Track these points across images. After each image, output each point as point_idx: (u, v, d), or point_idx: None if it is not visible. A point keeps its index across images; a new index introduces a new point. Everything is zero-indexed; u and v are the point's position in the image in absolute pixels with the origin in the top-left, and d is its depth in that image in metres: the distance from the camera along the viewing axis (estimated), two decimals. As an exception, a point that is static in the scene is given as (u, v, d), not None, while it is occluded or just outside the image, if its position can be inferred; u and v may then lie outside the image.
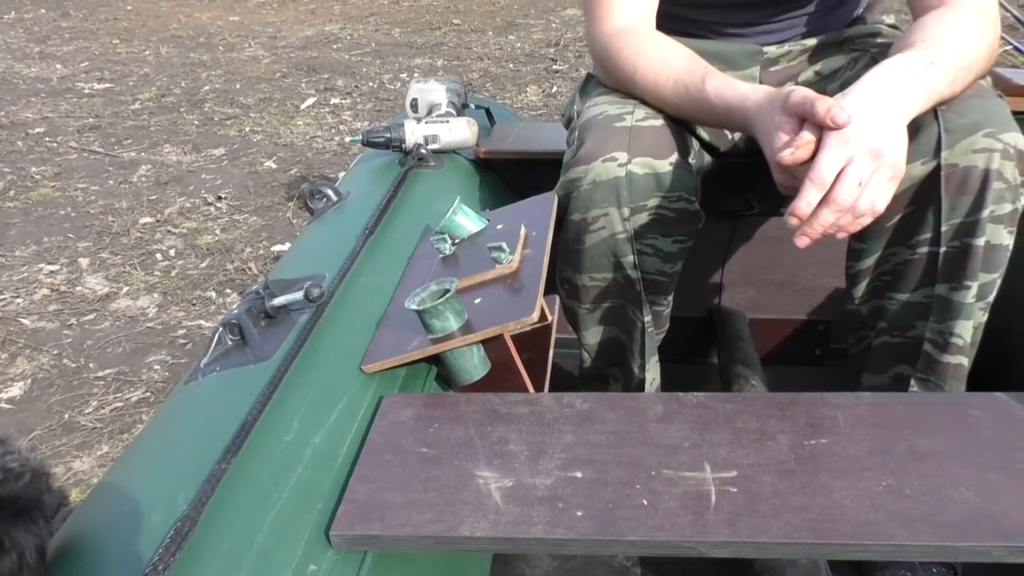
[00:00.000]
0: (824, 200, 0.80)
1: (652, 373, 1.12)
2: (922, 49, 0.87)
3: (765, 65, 1.15)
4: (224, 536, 0.62)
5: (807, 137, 0.82)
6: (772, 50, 1.14)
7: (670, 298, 1.10)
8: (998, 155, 0.87)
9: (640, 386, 1.12)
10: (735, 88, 0.94)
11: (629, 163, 0.96)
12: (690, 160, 1.03)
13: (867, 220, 0.82)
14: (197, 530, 0.62)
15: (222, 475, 0.67)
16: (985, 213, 0.88)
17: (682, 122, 1.05)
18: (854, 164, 0.79)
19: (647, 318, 1.07)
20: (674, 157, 0.98)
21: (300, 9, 6.16)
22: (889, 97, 0.82)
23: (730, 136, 1.17)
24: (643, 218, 0.98)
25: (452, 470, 0.70)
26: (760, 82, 1.15)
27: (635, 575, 1.09)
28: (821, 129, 0.81)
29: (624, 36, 1.05)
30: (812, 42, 1.15)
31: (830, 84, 1.12)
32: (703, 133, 1.13)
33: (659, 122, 1.00)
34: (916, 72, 0.84)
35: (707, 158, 1.18)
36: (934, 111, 0.90)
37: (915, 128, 0.89)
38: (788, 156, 0.83)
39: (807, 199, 0.80)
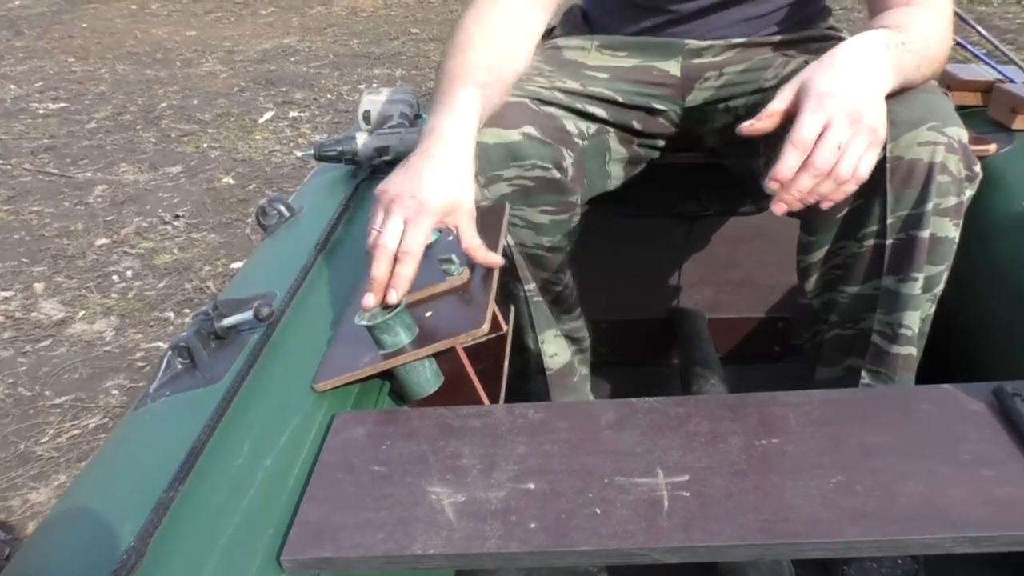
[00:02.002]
0: (803, 165, 0.79)
1: (552, 347, 1.12)
2: (894, 31, 0.88)
3: (687, 56, 1.15)
4: (172, 567, 0.61)
5: (773, 109, 0.83)
6: (693, 43, 1.14)
7: (561, 276, 1.11)
8: (942, 148, 0.88)
9: (539, 362, 1.12)
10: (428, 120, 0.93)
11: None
12: (568, 129, 1.04)
13: (851, 187, 0.81)
14: (144, 563, 0.61)
15: (170, 503, 0.66)
16: (930, 206, 0.89)
17: (557, 103, 1.05)
18: (833, 128, 0.78)
19: (528, 286, 1.07)
20: (527, 128, 0.98)
21: (258, 22, 6.11)
22: (867, 65, 0.82)
23: (663, 121, 1.17)
24: (501, 188, 0.99)
25: (405, 487, 0.69)
26: (681, 72, 1.15)
27: (601, 581, 1.08)
28: (798, 96, 0.81)
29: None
30: (740, 40, 1.15)
31: (760, 79, 1.12)
32: (598, 110, 1.12)
33: (514, 99, 1.01)
34: (891, 47, 0.85)
35: (613, 136, 1.16)
36: None
37: None
38: (747, 126, 0.83)
39: (788, 163, 0.79)
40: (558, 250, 1.07)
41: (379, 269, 0.82)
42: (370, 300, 0.82)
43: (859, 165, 0.80)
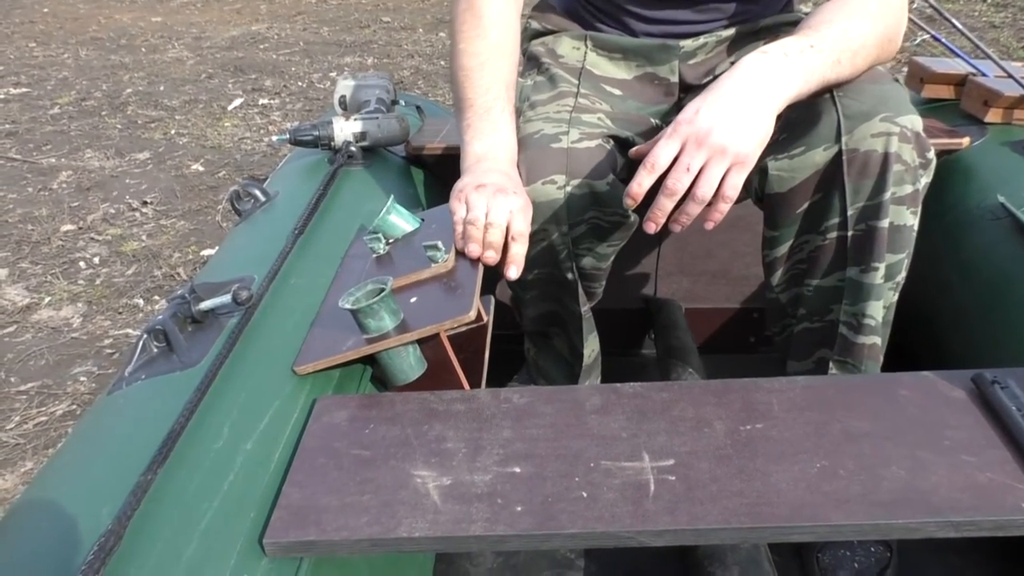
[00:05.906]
0: (662, 188, 0.84)
1: (591, 346, 1.15)
2: (802, 35, 0.89)
3: (683, 59, 1.16)
4: (151, 550, 0.60)
5: (658, 136, 0.86)
6: (688, 43, 1.15)
7: (604, 281, 1.15)
8: (896, 138, 0.89)
9: (579, 359, 1.15)
10: (472, 144, 1.00)
11: (567, 185, 0.98)
12: (625, 174, 1.05)
13: (724, 207, 0.85)
14: (122, 545, 0.59)
15: (148, 486, 0.64)
16: (887, 195, 0.90)
17: (618, 138, 1.06)
18: (684, 152, 0.83)
19: (584, 308, 1.09)
20: (610, 177, 1.00)
21: (225, 9, 6.02)
22: (746, 84, 0.84)
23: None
24: (581, 229, 1.02)
25: (388, 471, 0.69)
26: (680, 75, 1.16)
27: (579, 567, 1.08)
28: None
29: (471, 13, 1.04)
30: (729, 32, 1.15)
31: None
32: (625, 132, 1.14)
33: (594, 143, 1.01)
34: (790, 55, 0.86)
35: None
36: (832, 98, 0.92)
37: (815, 115, 0.92)
38: (634, 150, 0.89)
39: (638, 180, 0.84)
40: (609, 266, 1.12)
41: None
42: (514, 273, 0.91)
43: (724, 186, 0.83)
